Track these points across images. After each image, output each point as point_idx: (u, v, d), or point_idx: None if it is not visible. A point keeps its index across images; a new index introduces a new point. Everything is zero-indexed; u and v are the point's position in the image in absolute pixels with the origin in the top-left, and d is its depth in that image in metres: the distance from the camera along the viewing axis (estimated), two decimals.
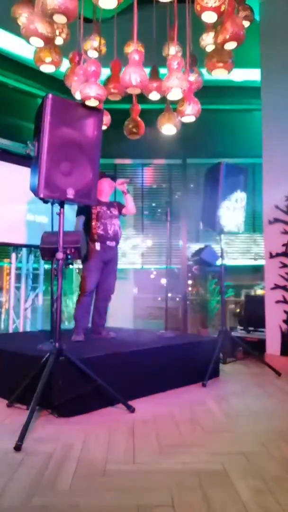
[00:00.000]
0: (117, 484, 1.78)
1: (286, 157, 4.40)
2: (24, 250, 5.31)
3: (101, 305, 3.97)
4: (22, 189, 4.20)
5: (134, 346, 3.28)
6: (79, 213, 3.87)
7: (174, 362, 3.39)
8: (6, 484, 1.76)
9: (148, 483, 1.79)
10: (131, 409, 2.73)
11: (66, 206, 2.86)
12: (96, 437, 2.30)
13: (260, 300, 4.72)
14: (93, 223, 3.81)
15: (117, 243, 3.95)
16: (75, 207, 3.89)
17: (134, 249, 6.53)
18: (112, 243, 3.87)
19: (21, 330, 5.15)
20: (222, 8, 3.06)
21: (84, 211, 3.82)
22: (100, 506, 1.61)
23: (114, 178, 4.16)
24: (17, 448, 2.12)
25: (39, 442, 2.22)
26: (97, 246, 3.79)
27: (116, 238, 3.91)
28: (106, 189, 3.97)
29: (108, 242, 3.83)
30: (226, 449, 2.15)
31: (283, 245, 4.36)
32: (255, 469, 1.91)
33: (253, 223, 6.31)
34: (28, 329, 5.30)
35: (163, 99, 3.72)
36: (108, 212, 3.90)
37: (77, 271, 6.29)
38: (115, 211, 3.96)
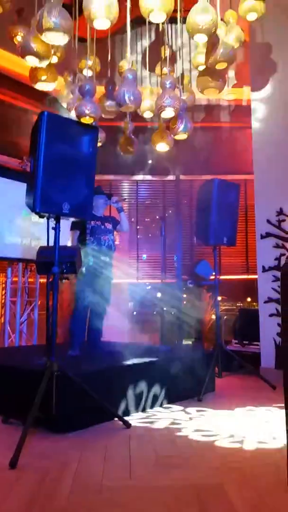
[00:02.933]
0: (114, 501, 1.77)
1: (276, 173, 4.49)
2: (20, 264, 5.32)
3: (96, 319, 3.98)
4: (18, 204, 4.24)
5: (129, 361, 3.28)
6: (73, 227, 3.90)
7: (169, 377, 3.39)
8: (2, 501, 1.74)
9: (145, 499, 1.78)
10: (128, 425, 2.72)
11: (62, 221, 2.89)
12: (92, 453, 2.29)
13: (254, 313, 4.74)
14: (87, 238, 3.85)
15: (111, 258, 3.98)
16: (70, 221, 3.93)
17: (129, 263, 6.56)
18: (106, 258, 3.91)
19: (16, 344, 5.12)
20: (213, 30, 3.16)
21: (79, 225, 3.86)
22: None
23: (109, 195, 4.21)
24: (13, 464, 2.09)
25: (35, 458, 2.21)
26: (90, 261, 3.83)
27: (110, 252, 3.94)
28: (101, 204, 4.01)
29: (101, 257, 3.86)
30: (223, 464, 2.15)
31: (276, 259, 4.42)
32: (252, 483, 1.91)
33: (246, 237, 6.38)
34: (23, 343, 5.28)
35: (157, 117, 3.80)
36: (103, 227, 3.94)
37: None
38: (109, 226, 4.01)
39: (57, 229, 2.85)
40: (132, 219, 6.67)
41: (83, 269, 3.79)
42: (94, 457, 2.23)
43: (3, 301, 5.41)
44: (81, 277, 3.79)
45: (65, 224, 3.51)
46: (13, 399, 2.76)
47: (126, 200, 6.57)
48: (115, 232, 4.10)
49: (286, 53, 4.47)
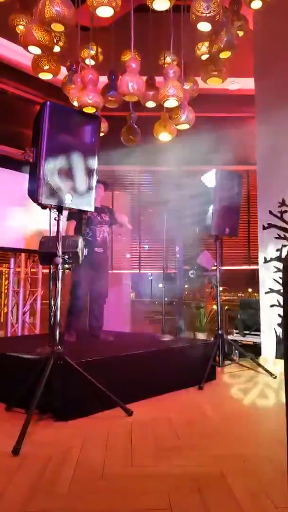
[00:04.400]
0: (115, 488, 1.79)
1: (279, 164, 4.47)
2: (23, 255, 5.34)
3: (95, 309, 4.02)
4: (20, 195, 4.22)
5: (131, 350, 3.31)
6: (69, 217, 3.91)
7: (171, 366, 3.42)
8: (4, 488, 1.77)
9: (146, 486, 1.81)
10: (129, 413, 2.76)
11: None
12: (94, 441, 2.33)
13: (255, 303, 4.77)
14: (83, 229, 3.87)
15: (105, 249, 4.01)
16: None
17: (131, 254, 6.57)
18: (100, 249, 3.94)
19: (19, 334, 5.17)
20: (217, 18, 3.13)
21: (75, 215, 3.86)
22: (98, 510, 1.62)
23: (105, 183, 4.21)
24: (15, 451, 2.12)
25: (37, 446, 2.24)
26: (85, 251, 3.85)
27: (104, 244, 3.97)
28: (98, 195, 4.01)
29: (96, 249, 3.88)
30: (223, 452, 2.18)
31: (277, 250, 4.42)
32: (252, 472, 1.94)
33: (248, 228, 6.37)
34: (26, 332, 5.33)
35: (159, 107, 3.78)
36: (99, 218, 3.96)
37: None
38: (105, 217, 4.02)
39: (59, 220, 2.86)
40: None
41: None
42: (96, 445, 2.26)
43: (6, 291, 5.45)
44: (77, 267, 3.82)
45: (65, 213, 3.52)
46: (16, 388, 2.79)
47: (128, 189, 6.56)
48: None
49: None
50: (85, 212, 3.81)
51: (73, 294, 3.85)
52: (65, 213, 3.92)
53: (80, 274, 3.84)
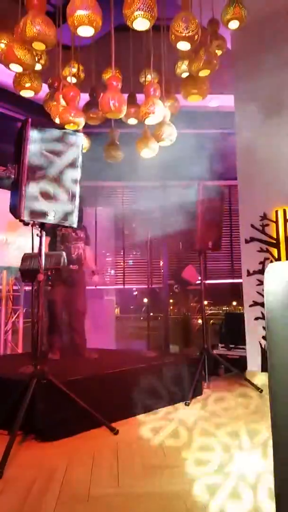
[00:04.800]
0: (101, 509, 1.76)
1: (260, 179, 4.55)
2: (4, 272, 5.26)
3: (77, 326, 3.98)
4: (2, 211, 4.17)
5: (116, 367, 3.28)
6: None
7: (157, 382, 3.39)
8: None
9: (133, 507, 1.77)
10: (115, 432, 2.71)
11: None
12: (79, 461, 2.28)
13: (240, 317, 4.78)
14: (57, 246, 3.84)
15: (80, 265, 3.98)
16: None
17: (115, 269, 6.55)
18: (75, 267, 3.91)
19: (1, 353, 5.07)
20: (196, 38, 3.20)
21: (50, 232, 3.83)
22: None
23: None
24: None
25: (21, 468, 2.18)
26: None
27: (79, 261, 3.95)
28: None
29: (71, 266, 3.85)
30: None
31: (260, 263, 4.47)
32: (241, 493, 1.91)
33: (231, 242, 6.43)
34: (8, 352, 5.22)
35: (142, 124, 3.83)
36: (73, 234, 3.94)
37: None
38: (81, 234, 4.00)
39: (42, 236, 2.84)
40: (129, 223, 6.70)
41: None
42: (81, 465, 2.22)
43: None
44: (53, 285, 3.78)
45: None
46: None
47: (112, 203, 6.59)
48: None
49: (268, 61, 4.54)
50: (59, 229, 3.80)
51: (50, 312, 3.80)
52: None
53: (56, 291, 3.81)
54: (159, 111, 3.37)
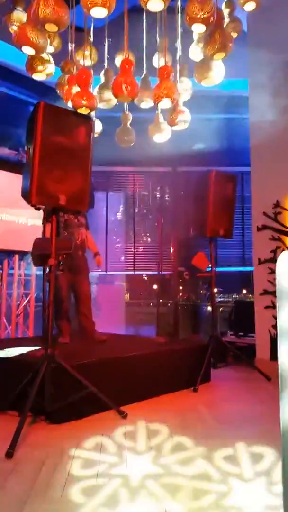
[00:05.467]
0: (109, 489, 1.79)
1: (273, 165, 4.48)
2: (16, 256, 5.31)
3: (84, 310, 4.01)
4: (14, 196, 4.17)
5: (125, 352, 3.30)
6: (47, 221, 3.88)
7: (166, 367, 3.41)
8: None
9: (140, 489, 1.80)
10: (123, 415, 2.74)
11: None
12: (88, 443, 2.31)
13: (250, 305, 4.77)
14: (60, 232, 3.85)
15: (84, 251, 4.01)
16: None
17: (126, 255, 6.56)
18: (79, 252, 3.94)
19: (12, 336, 5.14)
20: (211, 20, 3.12)
21: (52, 218, 3.83)
22: None
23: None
24: (9, 455, 2.11)
25: (31, 449, 2.23)
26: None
27: (83, 246, 3.98)
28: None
29: (75, 251, 3.86)
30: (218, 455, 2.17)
31: (272, 251, 4.43)
32: None
33: (243, 230, 6.38)
34: (19, 335, 5.29)
35: (154, 108, 3.77)
36: (76, 220, 3.97)
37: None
38: (82, 220, 4.02)
39: (53, 220, 2.85)
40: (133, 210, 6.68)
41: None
42: (90, 447, 2.25)
43: None
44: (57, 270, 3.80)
45: None
46: (10, 390, 2.77)
47: (123, 189, 6.57)
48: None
49: (284, 43, 4.44)
50: (62, 215, 3.80)
51: (56, 298, 3.84)
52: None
53: (62, 277, 3.83)
54: (172, 94, 3.32)
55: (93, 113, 3.61)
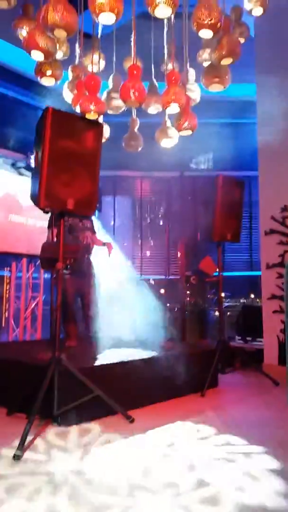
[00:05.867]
0: (116, 495, 1.78)
1: (281, 170, 4.48)
2: (25, 259, 5.35)
3: (90, 313, 4.03)
4: (23, 200, 4.23)
5: (133, 356, 3.30)
6: (50, 225, 3.90)
7: (173, 372, 3.40)
8: (4, 495, 1.76)
9: (148, 494, 1.79)
10: (131, 419, 2.74)
11: None
12: (96, 447, 2.31)
13: (257, 309, 4.75)
14: (65, 236, 3.87)
15: (89, 254, 4.02)
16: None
17: (132, 259, 6.57)
18: (84, 256, 3.95)
19: (20, 339, 5.17)
20: (218, 25, 3.14)
21: (57, 222, 3.85)
22: None
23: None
24: (16, 457, 2.12)
25: (38, 452, 2.23)
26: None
27: (88, 250, 3.99)
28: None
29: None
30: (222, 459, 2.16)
31: (280, 255, 4.41)
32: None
33: (250, 234, 6.37)
34: (27, 338, 5.32)
35: (161, 113, 3.79)
36: (81, 224, 3.97)
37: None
38: (87, 223, 4.03)
39: (61, 224, 2.87)
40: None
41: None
42: (98, 451, 2.25)
43: (7, 296, 5.45)
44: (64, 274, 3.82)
45: None
46: (17, 393, 2.78)
47: (129, 194, 6.60)
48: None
49: None
50: (67, 218, 3.82)
51: (63, 301, 3.86)
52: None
53: (68, 281, 3.85)
54: (180, 100, 3.34)
55: (101, 118, 3.65)
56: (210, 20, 3.10)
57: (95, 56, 3.94)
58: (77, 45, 3.79)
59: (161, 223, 6.54)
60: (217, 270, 4.23)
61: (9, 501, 1.70)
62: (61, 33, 3.12)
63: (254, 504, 1.68)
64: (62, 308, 3.83)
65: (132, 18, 3.39)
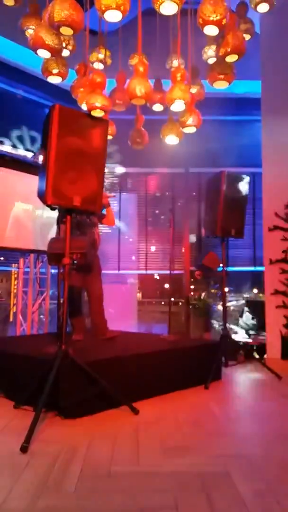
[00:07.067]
0: (122, 486, 1.81)
1: (285, 167, 4.49)
2: (32, 255, 5.41)
3: (96, 308, 4.07)
4: (30, 196, 4.25)
5: (137, 349, 3.35)
6: (60, 221, 3.94)
7: (177, 365, 3.45)
8: (12, 486, 1.79)
9: (152, 485, 1.83)
10: (135, 411, 2.79)
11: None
12: (101, 439, 2.35)
13: (261, 304, 4.79)
14: (73, 232, 3.91)
15: (96, 250, 4.06)
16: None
17: (138, 254, 6.62)
18: (91, 251, 3.99)
19: (28, 333, 5.24)
20: (224, 22, 3.15)
21: (64, 219, 3.88)
22: (105, 508, 1.64)
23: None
24: (23, 449, 2.15)
25: (45, 444, 2.27)
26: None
27: (94, 246, 4.02)
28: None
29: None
30: (228, 452, 2.20)
31: (283, 251, 4.44)
32: (257, 471, 1.96)
33: (254, 230, 6.39)
34: (35, 332, 5.40)
35: (166, 110, 3.81)
36: (88, 220, 4.02)
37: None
38: (94, 219, 4.08)
39: (68, 220, 2.91)
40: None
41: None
42: (103, 443, 2.29)
43: (15, 291, 5.52)
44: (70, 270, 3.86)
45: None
46: (24, 386, 2.84)
47: (135, 190, 6.62)
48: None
49: None
50: (74, 215, 3.86)
51: (69, 296, 3.91)
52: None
53: (74, 276, 3.90)
54: (185, 97, 3.36)
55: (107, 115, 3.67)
56: (216, 17, 3.11)
57: (101, 54, 3.95)
58: (83, 43, 3.80)
59: (165, 219, 6.57)
60: (221, 265, 4.27)
61: (17, 488, 1.76)
62: (67, 31, 3.14)
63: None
64: (69, 303, 3.89)
65: (138, 15, 3.40)
